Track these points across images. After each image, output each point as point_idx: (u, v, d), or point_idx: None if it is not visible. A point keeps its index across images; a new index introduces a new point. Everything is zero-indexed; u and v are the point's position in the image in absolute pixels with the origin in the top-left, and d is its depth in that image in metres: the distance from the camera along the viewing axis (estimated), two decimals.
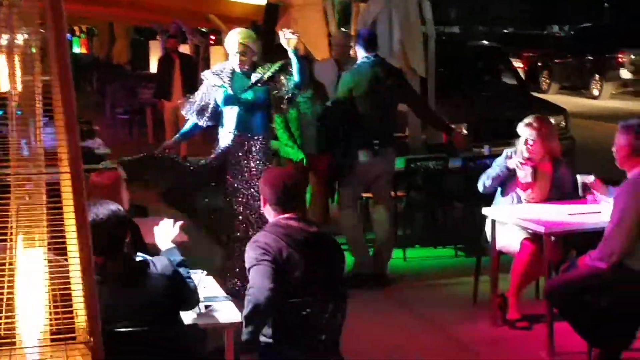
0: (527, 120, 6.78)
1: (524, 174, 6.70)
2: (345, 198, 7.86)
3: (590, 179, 6.33)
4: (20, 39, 3.55)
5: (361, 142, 7.62)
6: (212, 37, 22.40)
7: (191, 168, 7.10)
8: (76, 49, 31.93)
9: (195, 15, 15.86)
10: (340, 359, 4.70)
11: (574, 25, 39.19)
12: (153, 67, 20.17)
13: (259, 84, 6.99)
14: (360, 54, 7.79)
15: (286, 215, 4.61)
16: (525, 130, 6.74)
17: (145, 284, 4.08)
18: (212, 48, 18.74)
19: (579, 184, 6.33)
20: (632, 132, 5.61)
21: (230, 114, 7.03)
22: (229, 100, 7.02)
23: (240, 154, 7.00)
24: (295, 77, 6.91)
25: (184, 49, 17.74)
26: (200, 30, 20.62)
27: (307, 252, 4.48)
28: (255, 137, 7.02)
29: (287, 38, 6.82)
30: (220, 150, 7.09)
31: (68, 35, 3.56)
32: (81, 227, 3.40)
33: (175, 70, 14.54)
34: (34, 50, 3.52)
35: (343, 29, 9.88)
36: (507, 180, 6.81)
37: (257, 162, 7.00)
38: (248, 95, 7.00)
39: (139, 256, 4.23)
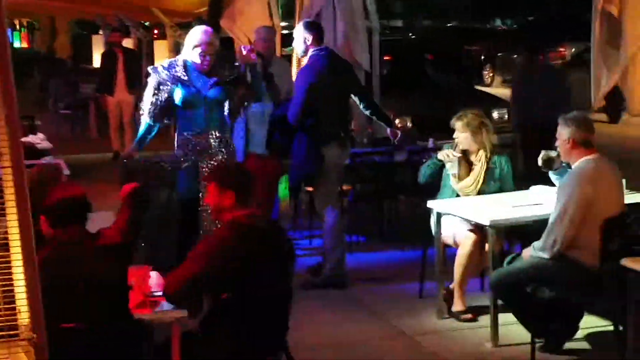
0: (458, 114, 6.87)
1: (451, 166, 6.79)
2: (330, 197, 7.60)
3: (553, 154, 6.33)
4: None
5: (327, 137, 7.47)
6: (156, 31, 22.25)
7: (169, 168, 6.83)
8: (17, 44, 31.53)
9: (138, 9, 15.73)
10: (288, 354, 4.71)
11: (517, 19, 39.65)
12: (96, 62, 20.01)
13: (224, 83, 6.74)
14: (310, 47, 7.52)
15: (243, 212, 4.59)
16: (454, 123, 6.82)
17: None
18: (155, 42, 18.61)
19: (541, 160, 6.28)
20: (573, 124, 5.68)
21: (191, 113, 6.69)
22: (191, 99, 6.65)
23: (203, 152, 6.78)
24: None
25: (127, 43, 17.59)
26: (143, 25, 20.49)
27: (261, 249, 4.47)
28: (218, 136, 6.82)
29: (243, 56, 6.68)
30: (185, 151, 6.79)
31: (8, 29, 3.49)
32: (23, 222, 3.36)
33: (118, 64, 14.41)
34: None
35: (266, 25, 9.72)
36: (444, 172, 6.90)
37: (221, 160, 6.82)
38: (212, 93, 6.72)
39: None
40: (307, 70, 7.47)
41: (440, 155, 6.82)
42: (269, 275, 4.51)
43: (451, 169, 6.80)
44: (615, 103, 20.75)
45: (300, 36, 7.53)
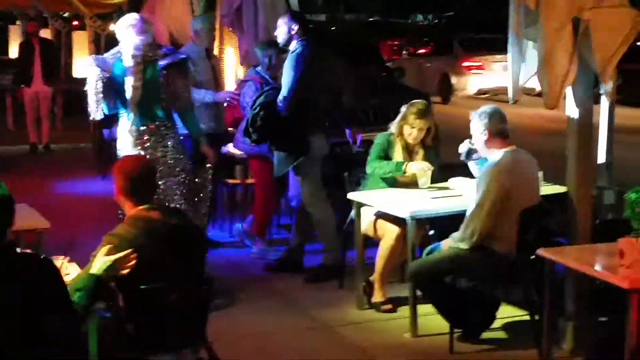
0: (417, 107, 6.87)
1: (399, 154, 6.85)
2: (315, 190, 7.55)
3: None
4: None
5: (314, 127, 7.47)
6: (75, 22, 21.92)
7: None
8: None
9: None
10: (207, 346, 4.68)
11: (437, 14, 40.08)
12: (12, 53, 19.60)
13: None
14: (296, 36, 7.44)
15: (145, 206, 4.54)
16: (413, 113, 6.81)
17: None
18: (74, 33, 18.32)
19: (464, 150, 6.33)
20: (487, 117, 5.76)
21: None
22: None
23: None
24: None
25: (45, 33, 17.29)
26: (61, 15, 20.16)
27: (170, 245, 4.43)
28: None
29: None
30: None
31: None
32: None
33: (35, 55, 14.18)
34: None
35: (207, 14, 9.70)
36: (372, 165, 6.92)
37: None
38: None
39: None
40: (297, 59, 7.36)
41: (416, 168, 6.76)
42: (179, 268, 4.46)
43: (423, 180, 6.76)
44: (446, 87, 21.70)
45: (285, 25, 7.51)
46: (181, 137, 6.94)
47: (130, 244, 4.30)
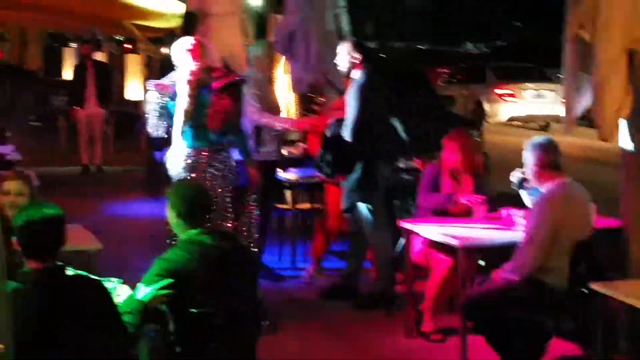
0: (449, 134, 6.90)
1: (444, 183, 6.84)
2: (379, 218, 7.49)
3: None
4: None
5: (380, 156, 7.49)
6: (128, 45, 22.14)
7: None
8: None
9: (111, 23, 15.67)
10: None
11: (488, 43, 39.95)
12: (67, 74, 19.88)
13: None
14: (358, 67, 7.48)
15: (197, 230, 4.56)
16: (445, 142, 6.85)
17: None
18: (127, 56, 18.51)
19: (516, 179, 6.30)
20: (540, 149, 5.73)
21: None
22: None
23: None
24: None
25: (99, 56, 17.52)
26: (115, 38, 20.41)
27: (222, 269, 4.44)
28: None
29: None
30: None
31: None
32: None
33: (89, 77, 14.37)
34: None
35: (265, 40, 9.77)
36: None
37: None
38: None
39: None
40: (360, 90, 7.38)
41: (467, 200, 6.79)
42: (230, 292, 4.48)
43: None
44: (479, 114, 21.76)
45: (347, 55, 7.52)
46: (235, 161, 6.98)
47: (182, 268, 4.33)
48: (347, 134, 7.35)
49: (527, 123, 21.71)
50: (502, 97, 22.23)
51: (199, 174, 6.69)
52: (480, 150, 10.49)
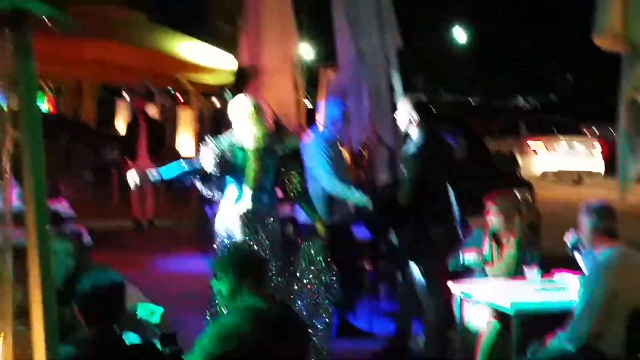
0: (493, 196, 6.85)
1: (487, 247, 6.75)
2: (432, 279, 7.38)
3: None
4: None
5: (437, 215, 7.46)
6: (180, 97, 22.38)
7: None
8: (43, 107, 31.72)
9: (165, 77, 15.89)
10: None
11: (537, 97, 39.79)
12: (120, 127, 20.14)
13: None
14: (417, 127, 7.46)
15: (252, 295, 4.54)
16: (488, 205, 6.80)
17: None
18: (180, 110, 18.71)
19: (570, 241, 6.22)
20: (596, 213, 5.65)
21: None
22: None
23: None
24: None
25: (152, 109, 17.72)
26: (167, 90, 20.63)
27: (274, 334, 4.42)
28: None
29: None
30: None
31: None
32: (46, 294, 3.34)
33: (142, 132, 14.52)
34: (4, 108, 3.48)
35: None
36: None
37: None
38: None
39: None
40: (420, 151, 7.38)
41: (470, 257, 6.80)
42: (282, 357, 4.45)
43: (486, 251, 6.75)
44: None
45: (407, 114, 7.51)
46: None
47: (236, 333, 4.31)
48: (403, 193, 7.32)
49: (559, 177, 21.71)
50: (534, 150, 22.55)
51: (247, 234, 6.69)
52: (531, 212, 10.34)
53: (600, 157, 21.86)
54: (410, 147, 7.42)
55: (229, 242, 6.74)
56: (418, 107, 7.54)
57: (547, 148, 22.41)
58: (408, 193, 7.27)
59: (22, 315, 3.39)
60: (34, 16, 3.40)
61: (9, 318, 3.41)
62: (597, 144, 22.32)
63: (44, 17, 3.49)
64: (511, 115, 29.11)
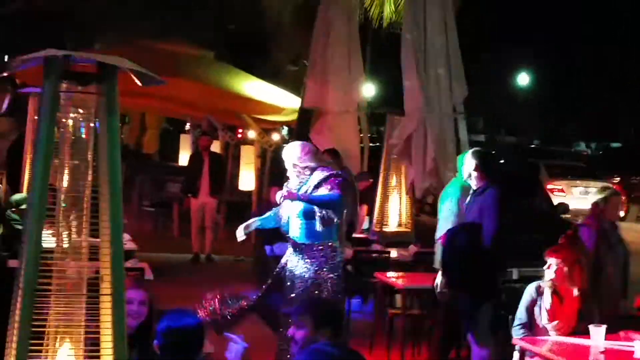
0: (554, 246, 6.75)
1: (548, 302, 6.62)
2: (487, 329, 7.50)
3: None
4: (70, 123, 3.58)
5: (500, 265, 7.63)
6: (240, 130, 22.54)
7: None
8: None
9: (229, 113, 16.04)
10: None
11: (600, 144, 39.41)
12: (182, 159, 20.33)
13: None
14: (481, 181, 7.66)
15: (325, 341, 4.57)
16: (548, 256, 6.70)
17: None
18: (242, 146, 18.83)
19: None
20: None
21: None
22: None
23: None
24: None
25: (214, 144, 17.86)
26: (229, 125, 20.80)
27: None
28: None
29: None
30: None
31: None
32: (117, 324, 3.41)
33: (204, 167, 14.65)
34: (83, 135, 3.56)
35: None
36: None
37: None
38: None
39: None
40: (496, 204, 7.49)
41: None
42: None
43: (546, 304, 6.65)
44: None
45: (471, 167, 7.68)
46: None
47: None
48: (479, 246, 7.40)
49: (576, 216, 21.81)
50: (553, 192, 23.22)
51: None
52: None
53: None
54: (485, 201, 7.49)
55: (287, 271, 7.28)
56: (483, 160, 7.62)
57: (564, 191, 23.85)
58: (488, 245, 7.39)
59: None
60: (120, 71, 3.49)
61: None
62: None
63: (128, 70, 3.58)
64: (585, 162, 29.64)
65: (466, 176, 7.69)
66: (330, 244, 7.23)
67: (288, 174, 7.34)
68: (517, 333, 6.60)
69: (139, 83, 3.66)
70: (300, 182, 7.24)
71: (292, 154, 7.29)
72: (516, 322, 6.68)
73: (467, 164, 7.69)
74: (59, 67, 3.38)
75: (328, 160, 8.22)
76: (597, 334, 6.26)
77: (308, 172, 7.22)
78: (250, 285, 12.18)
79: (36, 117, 9.66)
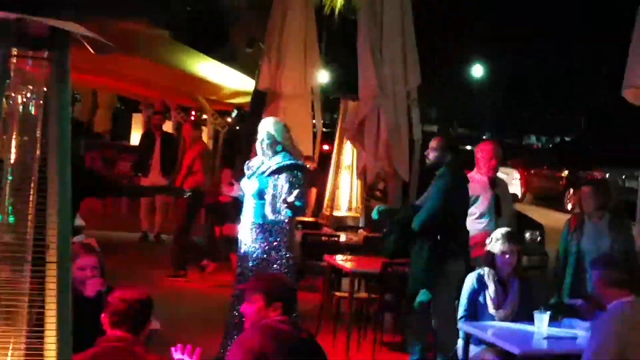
0: (500, 233, 6.82)
1: (492, 290, 6.71)
2: (448, 313, 7.39)
3: (577, 302, 6.34)
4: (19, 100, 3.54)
5: (449, 251, 7.62)
6: (193, 113, 22.42)
7: None
8: None
9: (183, 94, 15.93)
10: None
11: (550, 138, 39.79)
12: (133, 139, 20.20)
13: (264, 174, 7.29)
14: (444, 162, 7.73)
15: (279, 318, 4.59)
16: (497, 244, 6.77)
17: None
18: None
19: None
20: (602, 266, 5.66)
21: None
22: None
23: None
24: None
25: (167, 125, 17.75)
26: (182, 107, 20.71)
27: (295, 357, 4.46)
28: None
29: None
30: None
31: None
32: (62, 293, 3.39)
33: (155, 147, 14.54)
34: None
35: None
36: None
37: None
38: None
39: None
40: (444, 186, 7.59)
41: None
42: None
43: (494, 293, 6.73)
44: None
45: (439, 150, 7.75)
46: None
47: (259, 351, 4.37)
48: (417, 221, 7.50)
49: None
50: None
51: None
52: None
53: (519, 183, 24.69)
54: (437, 183, 7.58)
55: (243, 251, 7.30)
56: (447, 145, 7.77)
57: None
58: (423, 224, 7.41)
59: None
60: (72, 37, 3.45)
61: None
62: (517, 174, 24.81)
63: (81, 37, 3.54)
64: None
65: (430, 161, 7.82)
66: (282, 224, 7.27)
67: (257, 147, 7.33)
68: (461, 323, 6.67)
69: (91, 51, 3.61)
70: (261, 161, 7.27)
71: (276, 128, 7.35)
72: (460, 312, 6.74)
73: (434, 148, 7.79)
74: (10, 30, 3.33)
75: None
76: (541, 321, 6.36)
77: (271, 152, 7.25)
78: (199, 265, 12.17)
79: None
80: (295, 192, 7.15)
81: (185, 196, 9.70)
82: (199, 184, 11.74)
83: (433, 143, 7.82)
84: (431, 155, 7.77)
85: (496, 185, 8.35)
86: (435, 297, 7.61)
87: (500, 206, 8.23)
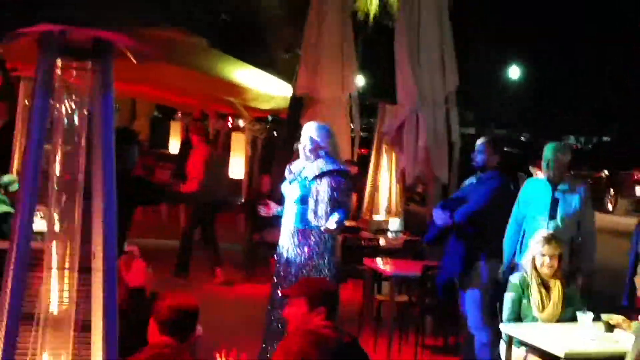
0: (541, 235, 6.78)
1: (536, 292, 6.68)
2: (481, 314, 7.69)
3: (615, 318, 6.31)
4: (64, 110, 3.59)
5: (493, 252, 7.67)
6: (230, 119, 22.48)
7: None
8: None
9: (221, 101, 16.01)
10: None
11: (590, 138, 39.48)
12: (172, 147, 20.30)
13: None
14: (492, 167, 7.81)
15: (322, 323, 4.61)
16: (537, 246, 6.73)
17: None
18: (233, 134, 18.84)
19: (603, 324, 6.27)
20: None
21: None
22: None
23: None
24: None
25: (205, 131, 17.78)
26: (221, 115, 20.80)
27: None
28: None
29: None
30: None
31: None
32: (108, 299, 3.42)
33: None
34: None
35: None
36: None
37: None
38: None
39: None
40: (490, 190, 7.70)
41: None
42: None
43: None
44: None
45: (487, 152, 7.82)
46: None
47: (301, 357, 4.40)
48: (460, 213, 7.62)
49: None
50: None
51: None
52: None
53: None
54: (486, 185, 7.68)
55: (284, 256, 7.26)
56: (496, 147, 7.87)
57: None
58: (463, 219, 7.58)
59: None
60: (116, 47, 3.49)
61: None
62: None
63: (123, 47, 3.58)
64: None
65: (477, 162, 7.83)
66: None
67: (299, 151, 7.34)
68: (505, 325, 6.65)
69: (133, 60, 3.66)
70: (302, 166, 7.28)
71: (319, 132, 7.28)
72: (505, 315, 6.71)
73: (482, 150, 7.85)
74: (54, 41, 3.38)
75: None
76: (585, 322, 6.32)
77: (313, 157, 7.20)
78: (240, 272, 12.22)
79: (27, 103, 9.64)
80: (335, 217, 7.06)
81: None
82: (192, 189, 11.78)
83: (482, 146, 7.84)
84: (479, 158, 7.77)
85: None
86: (465, 295, 7.70)
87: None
